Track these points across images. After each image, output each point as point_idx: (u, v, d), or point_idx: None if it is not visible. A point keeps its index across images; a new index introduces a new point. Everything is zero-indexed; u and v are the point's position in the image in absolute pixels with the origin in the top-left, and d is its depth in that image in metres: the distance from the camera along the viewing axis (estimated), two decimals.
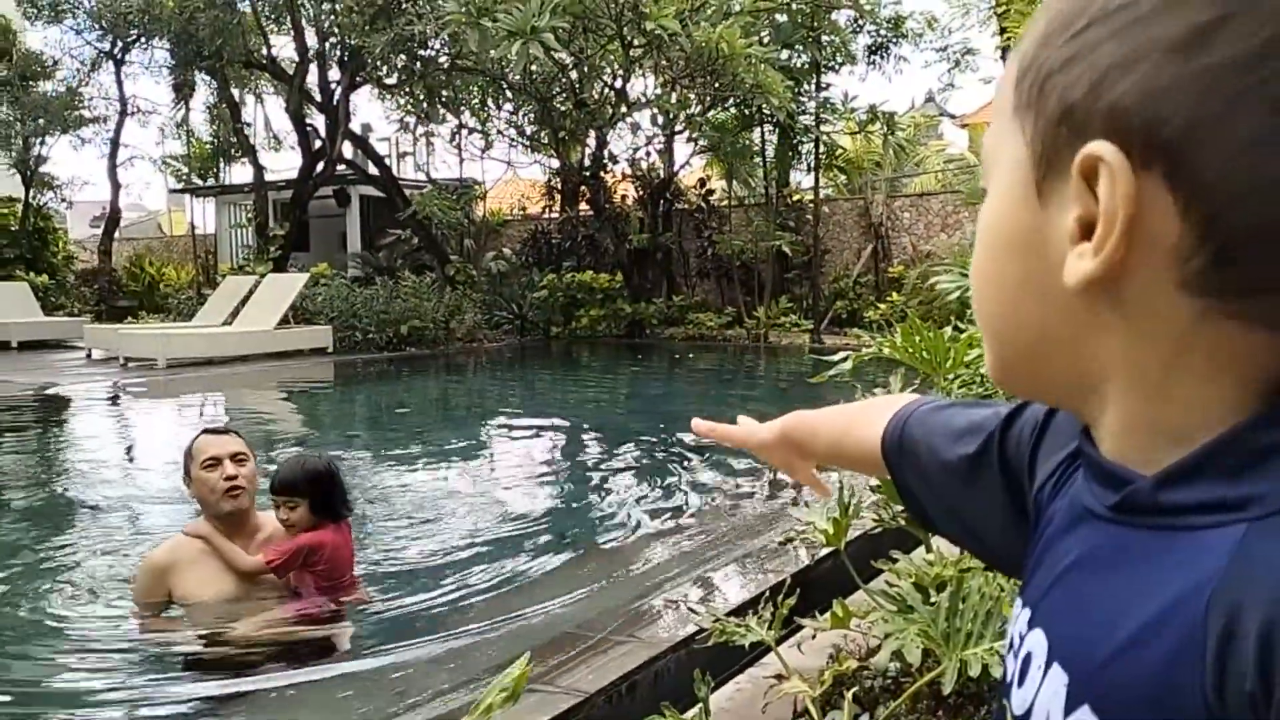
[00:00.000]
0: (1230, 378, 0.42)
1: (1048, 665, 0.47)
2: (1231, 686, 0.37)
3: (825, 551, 2.59)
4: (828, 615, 1.99)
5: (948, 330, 2.81)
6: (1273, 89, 0.39)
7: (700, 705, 1.86)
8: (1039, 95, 0.45)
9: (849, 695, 1.95)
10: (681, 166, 16.61)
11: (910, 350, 2.67)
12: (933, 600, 1.86)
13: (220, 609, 3.02)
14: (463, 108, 16.92)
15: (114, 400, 9.95)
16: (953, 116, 21.74)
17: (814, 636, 2.26)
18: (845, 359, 2.83)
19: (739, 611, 2.32)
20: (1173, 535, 0.43)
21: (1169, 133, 0.40)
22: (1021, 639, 0.51)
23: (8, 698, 2.71)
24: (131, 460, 7.09)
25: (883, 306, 13.13)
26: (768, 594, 2.21)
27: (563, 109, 15.49)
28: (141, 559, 3.26)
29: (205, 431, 3.22)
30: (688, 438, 7.49)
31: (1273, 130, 0.39)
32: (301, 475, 3.16)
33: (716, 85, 13.10)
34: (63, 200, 21.16)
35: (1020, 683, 0.50)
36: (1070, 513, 0.52)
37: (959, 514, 0.71)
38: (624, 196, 16.65)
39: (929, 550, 2.15)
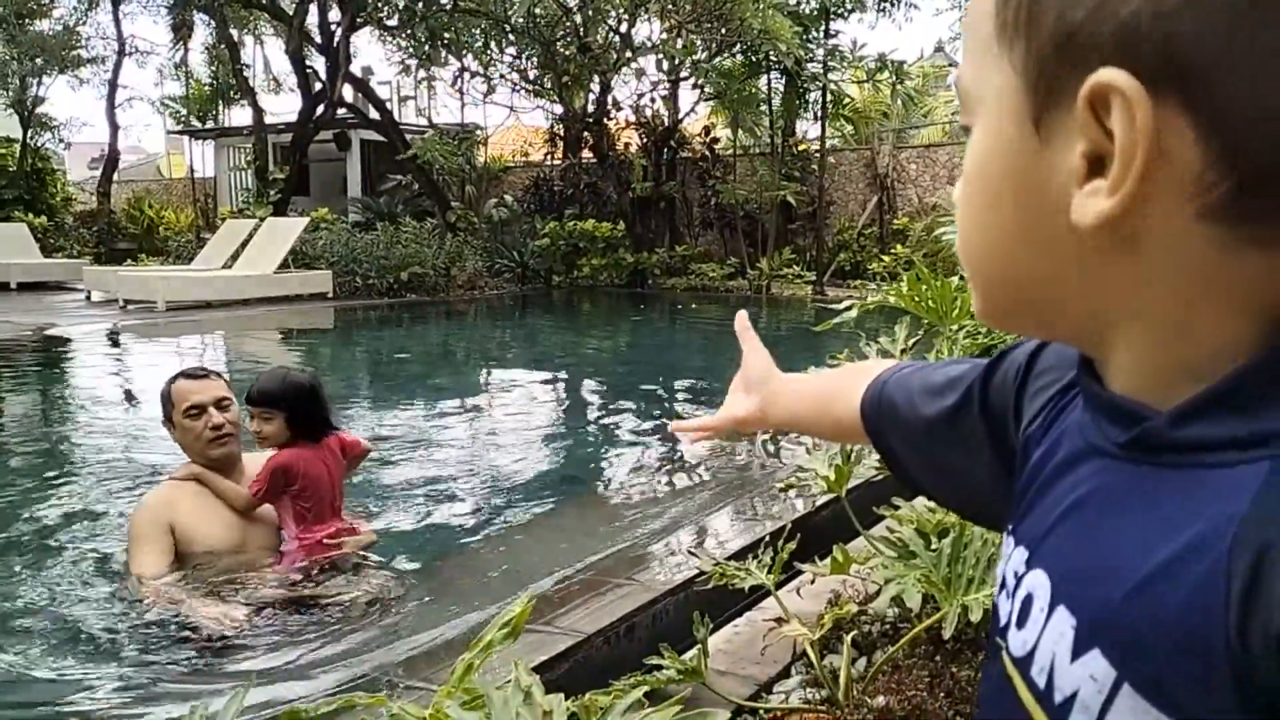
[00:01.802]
0: (1250, 311, 0.40)
1: (1051, 607, 0.45)
2: (1256, 627, 0.35)
3: (826, 498, 2.59)
4: (828, 561, 1.99)
5: (954, 280, 2.78)
6: None
7: (699, 646, 1.87)
8: (1029, 18, 0.41)
9: (848, 639, 1.96)
10: (686, 114, 16.39)
11: (916, 299, 2.65)
12: (934, 547, 1.86)
13: (215, 558, 2.98)
14: (465, 51, 16.66)
15: (114, 341, 9.94)
16: None
17: (813, 581, 2.27)
18: (850, 308, 2.81)
19: (739, 556, 2.33)
20: (1190, 473, 0.41)
21: (1186, 54, 0.37)
22: (1018, 578, 0.49)
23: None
24: (131, 401, 7.10)
25: (887, 259, 13.07)
26: (768, 539, 2.21)
27: (566, 53, 15.26)
28: (134, 508, 3.21)
29: (183, 375, 3.09)
30: (688, 386, 7.50)
31: None
32: (280, 386, 3.05)
33: (723, 31, 12.89)
34: (60, 141, 20.98)
35: (1020, 624, 0.48)
36: (1071, 449, 0.49)
37: (942, 469, 0.70)
38: (627, 144, 16.46)
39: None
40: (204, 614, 2.73)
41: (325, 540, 3.11)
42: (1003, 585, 0.51)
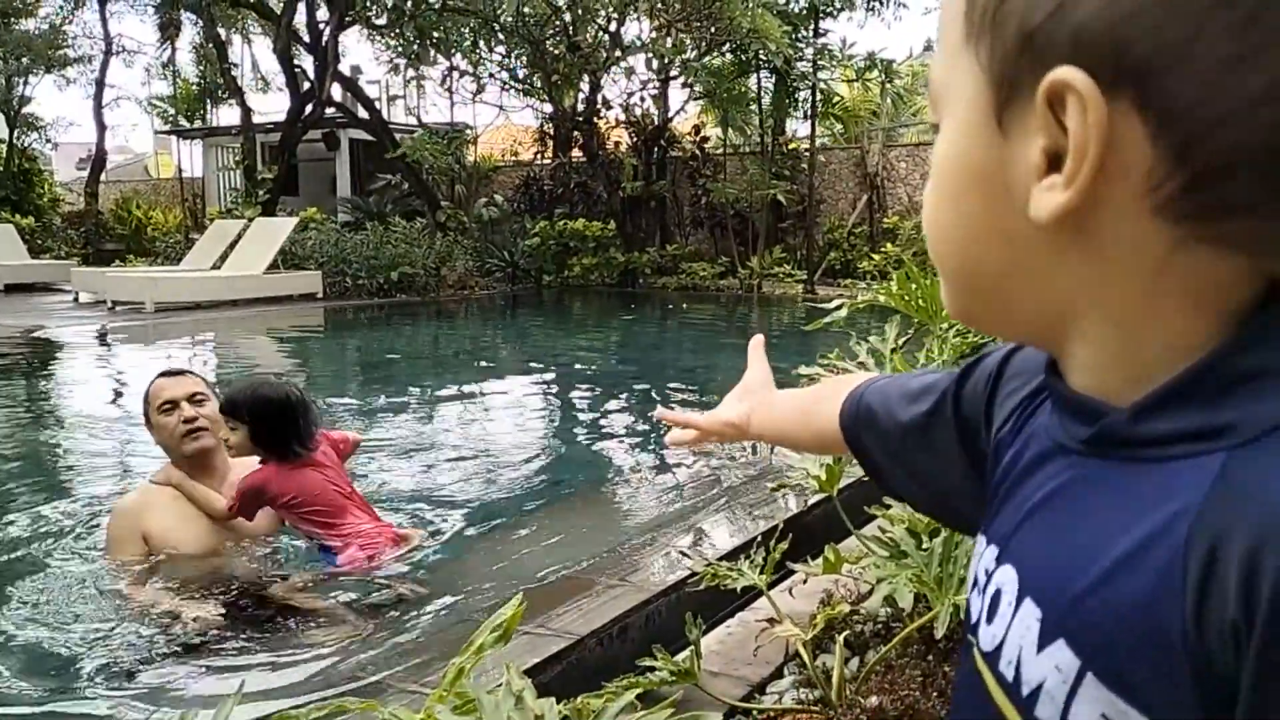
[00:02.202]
0: (1206, 306, 0.41)
1: (1019, 601, 0.47)
2: (1212, 616, 0.37)
3: (818, 497, 2.59)
4: (819, 560, 1.99)
5: None
6: (1240, 6, 0.37)
7: (691, 648, 1.87)
8: (994, 21, 0.43)
9: (840, 639, 1.95)
10: (676, 113, 16.38)
11: (906, 298, 2.65)
12: (926, 546, 1.86)
13: (198, 563, 2.96)
14: (454, 50, 16.62)
15: (102, 343, 9.89)
16: None
17: (805, 581, 2.27)
18: (840, 306, 2.80)
19: (731, 556, 2.32)
20: (1150, 467, 0.42)
21: (1137, 56, 0.39)
22: (989, 575, 0.51)
23: None
24: (118, 402, 7.06)
25: (877, 257, 13.09)
26: (760, 539, 2.21)
27: (556, 52, 15.24)
28: (111, 509, 3.20)
29: (161, 374, 3.12)
30: (679, 385, 7.49)
31: (1243, 49, 0.37)
32: (245, 397, 2.96)
33: (712, 29, 12.89)
34: (48, 141, 20.89)
35: (990, 619, 0.49)
36: (1039, 449, 0.51)
37: (917, 473, 0.72)
38: (617, 143, 16.45)
39: None
40: (184, 616, 2.71)
41: (386, 531, 3.06)
42: (975, 583, 0.53)
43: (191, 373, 3.17)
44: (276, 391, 3.03)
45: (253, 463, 3.15)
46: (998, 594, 0.49)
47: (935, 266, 0.51)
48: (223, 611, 2.76)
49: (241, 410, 2.97)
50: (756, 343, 1.05)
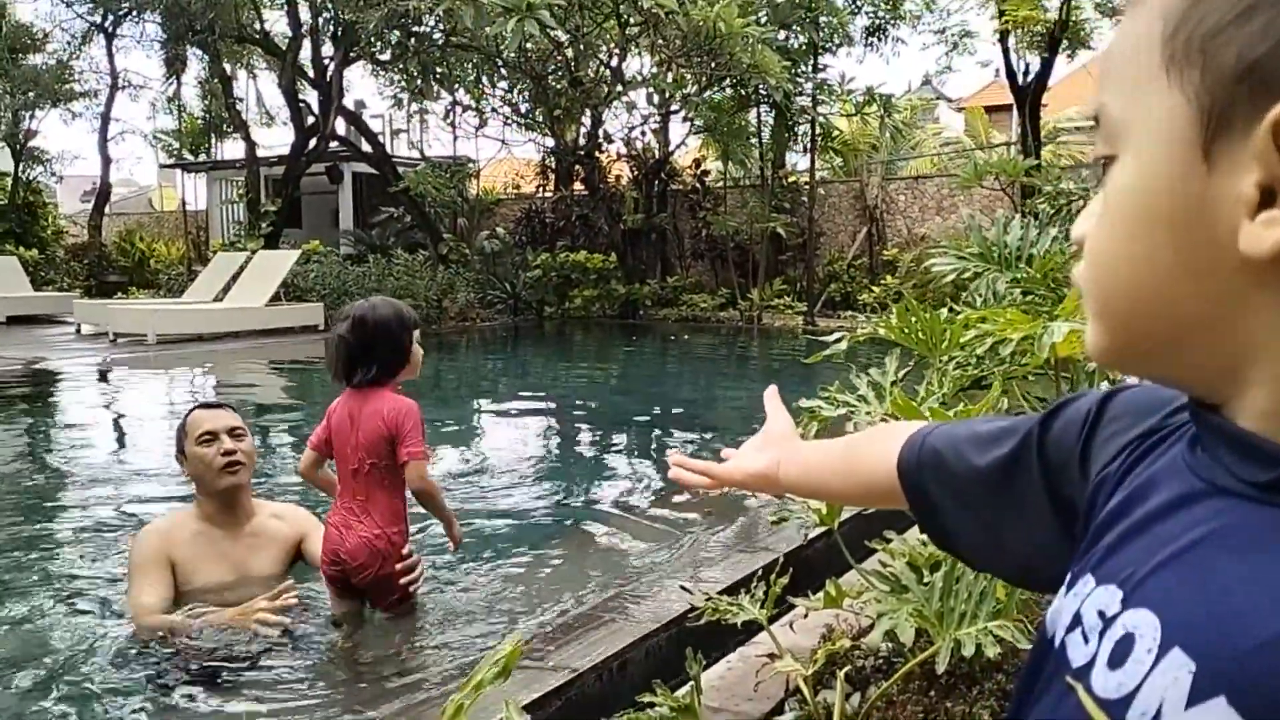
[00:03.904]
0: None
1: (1162, 649, 0.43)
2: None
3: (818, 531, 2.58)
4: (820, 595, 1.98)
5: (943, 311, 2.79)
6: None
7: (692, 683, 1.86)
8: (1203, 49, 0.42)
9: (841, 674, 1.94)
10: (677, 147, 16.52)
11: (906, 331, 2.66)
12: (926, 580, 1.86)
13: (211, 598, 2.92)
14: (457, 85, 16.78)
15: (103, 375, 9.90)
16: (949, 100, 21.69)
17: (806, 616, 2.26)
18: (840, 339, 2.81)
19: (731, 590, 2.31)
20: None
21: None
22: (1108, 618, 0.47)
23: None
24: (120, 435, 7.06)
25: (876, 289, 13.13)
26: (760, 573, 2.20)
27: (558, 87, 15.38)
28: (135, 538, 3.16)
29: (199, 406, 3.12)
30: (680, 417, 7.49)
31: None
32: (366, 303, 2.97)
33: (713, 65, 13.00)
34: (53, 174, 21.04)
35: (1115, 665, 0.46)
36: (1183, 488, 0.48)
37: (987, 520, 0.68)
38: (618, 176, 16.57)
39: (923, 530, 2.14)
40: (185, 646, 2.68)
41: (337, 524, 2.83)
42: (1075, 624, 0.50)
43: (229, 406, 3.16)
44: (370, 310, 2.92)
45: (284, 509, 3.17)
46: (1128, 639, 0.45)
47: (1091, 306, 0.48)
48: (224, 645, 2.73)
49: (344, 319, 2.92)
50: (771, 392, 1.00)
